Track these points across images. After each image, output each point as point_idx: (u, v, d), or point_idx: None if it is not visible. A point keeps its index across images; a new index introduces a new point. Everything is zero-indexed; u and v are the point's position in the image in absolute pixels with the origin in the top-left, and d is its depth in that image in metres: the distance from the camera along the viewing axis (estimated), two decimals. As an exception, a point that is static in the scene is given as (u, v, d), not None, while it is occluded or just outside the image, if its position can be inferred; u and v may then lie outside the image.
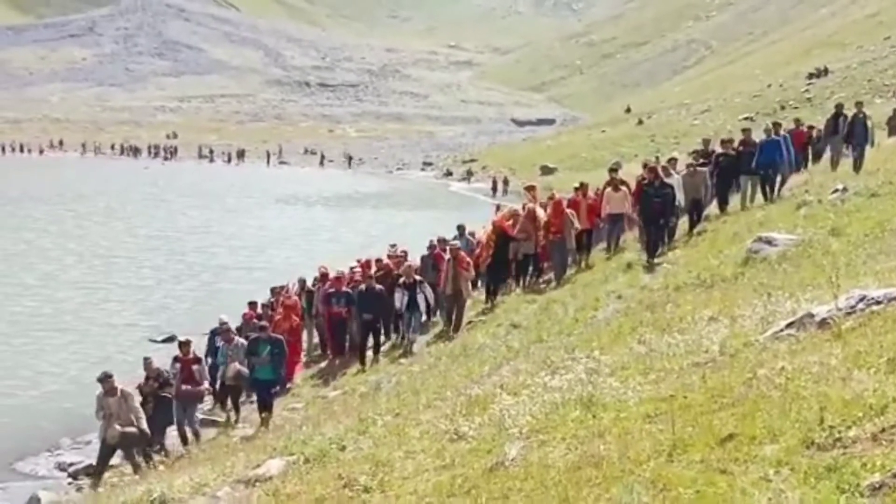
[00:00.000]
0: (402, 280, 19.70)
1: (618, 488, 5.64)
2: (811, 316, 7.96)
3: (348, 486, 7.41)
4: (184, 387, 16.45)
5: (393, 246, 24.55)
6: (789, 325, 8.08)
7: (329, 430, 10.21)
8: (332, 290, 20.51)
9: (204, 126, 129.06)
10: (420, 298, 19.45)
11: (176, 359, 16.97)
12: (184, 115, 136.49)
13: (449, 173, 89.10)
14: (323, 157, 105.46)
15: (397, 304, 19.58)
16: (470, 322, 19.95)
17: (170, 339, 23.04)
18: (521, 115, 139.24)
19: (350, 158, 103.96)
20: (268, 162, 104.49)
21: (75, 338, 25.52)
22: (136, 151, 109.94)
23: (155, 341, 24.18)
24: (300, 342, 21.17)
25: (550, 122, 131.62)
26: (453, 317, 19.81)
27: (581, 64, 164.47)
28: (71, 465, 16.48)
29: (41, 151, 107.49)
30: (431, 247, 22.14)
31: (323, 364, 21.23)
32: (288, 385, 19.47)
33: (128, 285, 33.72)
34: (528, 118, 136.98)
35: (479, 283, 22.80)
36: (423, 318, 20.32)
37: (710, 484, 5.32)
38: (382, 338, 20.74)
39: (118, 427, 14.41)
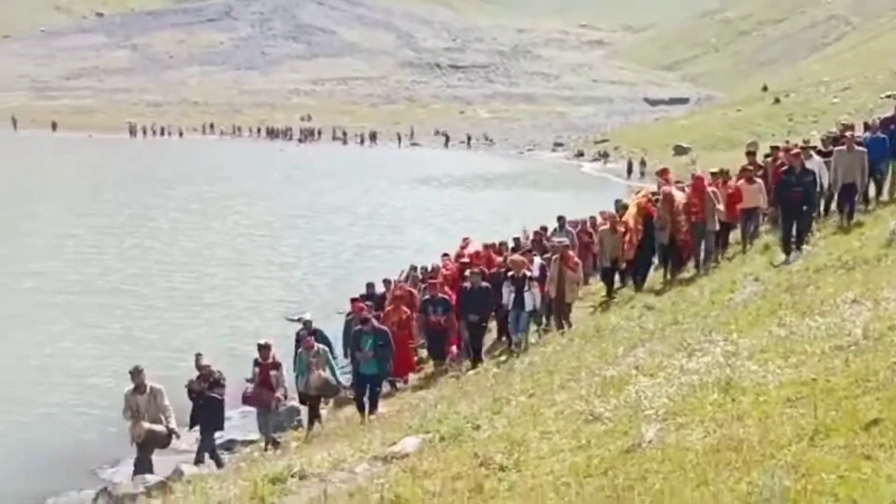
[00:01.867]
0: (510, 274, 18.04)
1: (758, 472, 5.58)
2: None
3: (484, 464, 7.46)
4: (258, 392, 15.64)
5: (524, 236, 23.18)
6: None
7: (463, 409, 10.27)
8: (428, 296, 18.66)
9: (337, 108, 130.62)
10: (528, 296, 17.64)
11: (256, 362, 15.99)
12: (318, 97, 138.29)
13: (580, 154, 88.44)
14: (448, 138, 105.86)
15: (504, 300, 17.99)
16: (602, 304, 19.62)
17: (304, 323, 23.34)
18: (653, 95, 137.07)
19: (468, 138, 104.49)
20: (399, 143, 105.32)
21: (222, 312, 26.60)
22: (272, 133, 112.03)
23: (292, 320, 24.58)
24: (413, 336, 19.17)
25: (684, 101, 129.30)
26: (561, 319, 18.14)
27: (716, 42, 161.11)
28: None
29: (181, 134, 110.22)
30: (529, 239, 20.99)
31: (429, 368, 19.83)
32: (399, 384, 18.48)
33: (268, 263, 34.82)
34: (661, 97, 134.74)
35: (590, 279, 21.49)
36: (530, 317, 18.16)
37: (854, 469, 5.23)
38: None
39: (145, 424, 14.00)
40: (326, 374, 16.19)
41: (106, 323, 25.12)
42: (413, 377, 18.97)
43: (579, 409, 8.41)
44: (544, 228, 22.73)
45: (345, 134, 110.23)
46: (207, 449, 15.11)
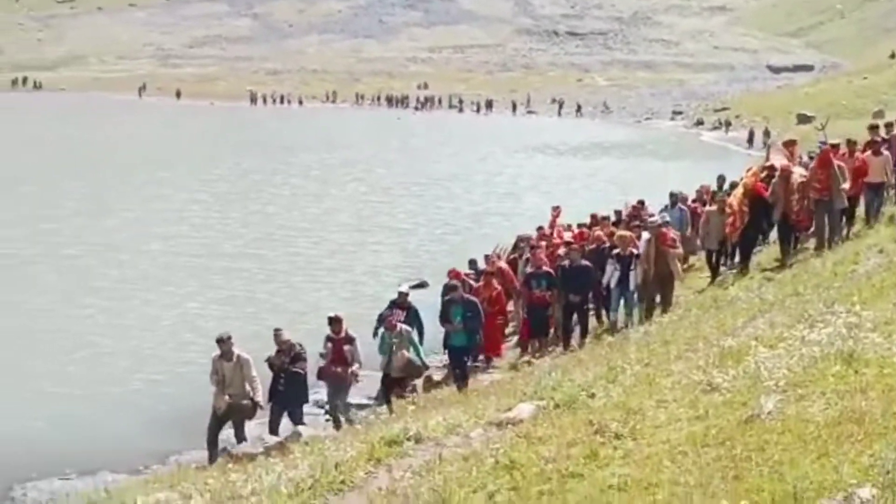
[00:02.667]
0: (615, 252, 17.30)
1: (880, 445, 5.48)
2: None
3: (599, 432, 7.44)
4: (332, 368, 15.11)
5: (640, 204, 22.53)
6: None
7: (578, 378, 10.26)
8: (532, 270, 17.97)
9: (454, 76, 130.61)
10: (633, 275, 16.92)
11: (328, 337, 15.29)
12: (434, 65, 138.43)
13: (700, 122, 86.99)
14: (561, 106, 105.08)
15: (606, 279, 17.28)
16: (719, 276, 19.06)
17: (420, 286, 23.55)
18: (776, 62, 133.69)
19: (578, 106, 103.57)
20: (513, 111, 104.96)
21: (342, 277, 27.10)
22: (389, 102, 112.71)
23: (409, 286, 24.74)
24: (504, 313, 18.66)
25: (808, 68, 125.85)
26: (655, 302, 17.20)
27: (841, 7, 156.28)
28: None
29: (300, 102, 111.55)
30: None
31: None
32: (494, 360, 17.92)
33: (386, 229, 35.31)
34: (785, 65, 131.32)
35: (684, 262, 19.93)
36: (634, 297, 17.40)
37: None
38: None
39: (227, 398, 13.70)
40: (410, 354, 15.40)
41: (231, 286, 25.88)
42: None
43: (696, 379, 8.33)
44: (641, 202, 22.21)
45: (461, 102, 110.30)
46: (297, 423, 14.57)
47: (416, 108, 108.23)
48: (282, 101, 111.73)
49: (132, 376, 15.74)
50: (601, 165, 57.48)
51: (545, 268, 17.78)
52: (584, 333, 17.63)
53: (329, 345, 15.20)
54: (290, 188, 45.54)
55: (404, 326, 15.62)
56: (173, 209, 37.74)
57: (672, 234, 17.56)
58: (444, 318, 16.09)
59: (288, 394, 14.49)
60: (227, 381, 13.68)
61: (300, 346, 14.66)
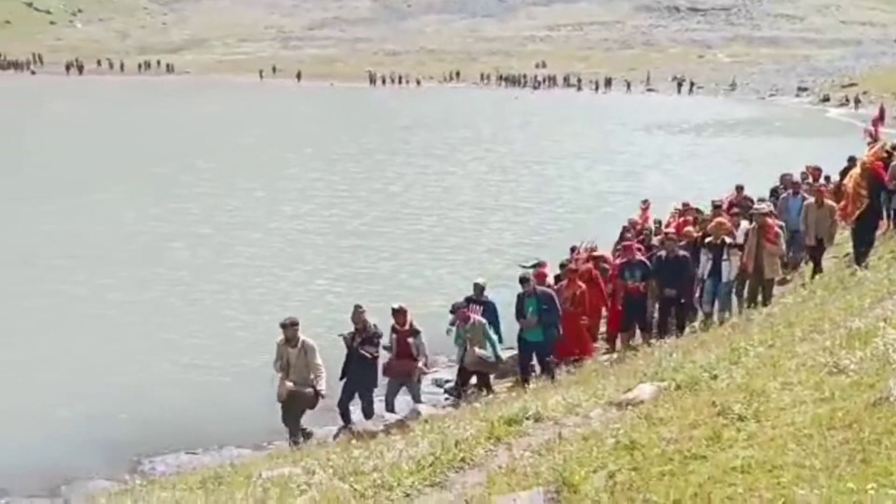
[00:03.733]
0: (707, 240, 16.15)
1: None
2: None
3: (722, 413, 7.36)
4: (397, 362, 14.50)
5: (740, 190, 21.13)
6: None
7: (700, 359, 10.16)
8: (625, 259, 16.94)
9: (572, 54, 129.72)
10: (726, 266, 15.81)
11: (393, 329, 14.58)
12: (553, 43, 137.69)
13: (826, 99, 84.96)
14: (681, 83, 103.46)
15: (700, 270, 16.18)
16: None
17: (537, 265, 23.41)
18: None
19: (691, 84, 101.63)
20: (629, 89, 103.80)
21: (464, 255, 27.21)
22: (508, 81, 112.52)
23: (524, 266, 24.64)
24: (590, 314, 16.68)
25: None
26: (757, 300, 15.81)
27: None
28: (447, 381, 16.46)
29: (418, 82, 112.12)
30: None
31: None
32: (585, 359, 15.83)
33: (507, 208, 35.40)
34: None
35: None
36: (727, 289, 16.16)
37: None
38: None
39: (289, 384, 13.18)
40: (482, 350, 14.66)
41: (356, 262, 26.33)
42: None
43: (822, 361, 8.16)
44: (740, 188, 21.02)
45: (579, 80, 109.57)
46: (367, 411, 14.16)
47: (534, 87, 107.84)
48: (400, 82, 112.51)
49: (260, 351, 15.96)
50: (725, 143, 56.65)
51: (639, 257, 16.88)
52: (681, 328, 16.28)
53: (393, 337, 14.57)
54: (413, 167, 45.94)
55: (478, 318, 14.89)
56: (299, 188, 38.63)
57: (777, 226, 16.26)
58: (519, 313, 15.17)
59: (356, 377, 14.02)
60: (291, 367, 13.25)
61: (376, 327, 14.08)
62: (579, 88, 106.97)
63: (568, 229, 29.37)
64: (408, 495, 6.99)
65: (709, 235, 16.34)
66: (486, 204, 36.16)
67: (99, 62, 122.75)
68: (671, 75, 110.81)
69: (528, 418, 8.67)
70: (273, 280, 24.06)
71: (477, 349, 14.61)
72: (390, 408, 14.48)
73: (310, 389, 13.21)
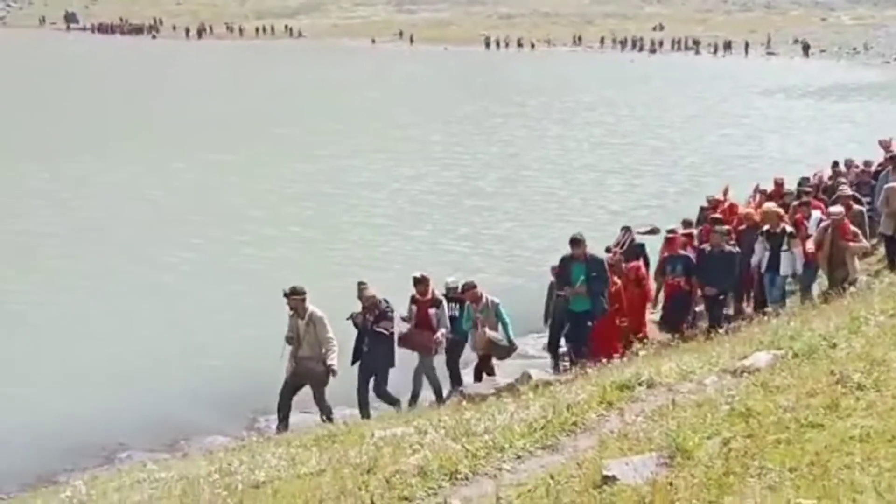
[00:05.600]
0: (765, 228, 14.87)
1: None
2: None
3: (840, 382, 7.26)
4: (414, 332, 13.77)
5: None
6: None
7: (819, 327, 9.98)
8: (667, 254, 15.87)
9: (690, 17, 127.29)
10: (785, 257, 14.49)
11: (412, 299, 13.89)
12: (670, 6, 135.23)
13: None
14: (806, 46, 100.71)
15: (755, 261, 14.93)
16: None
17: (652, 232, 23.10)
18: None
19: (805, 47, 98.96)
20: (746, 53, 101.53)
21: (583, 219, 26.77)
22: (623, 44, 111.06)
23: (639, 233, 24.38)
24: (627, 313, 14.97)
25: None
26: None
27: None
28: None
29: (532, 46, 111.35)
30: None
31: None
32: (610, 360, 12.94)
33: (627, 171, 35.49)
34: None
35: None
36: (787, 284, 14.87)
37: None
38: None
39: (295, 361, 12.68)
40: (496, 332, 13.86)
41: (478, 223, 26.87)
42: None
43: (946, 330, 7.98)
44: (868, 164, 19.52)
45: (696, 43, 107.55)
46: (382, 394, 13.45)
47: (652, 51, 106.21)
48: (517, 45, 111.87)
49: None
50: (849, 108, 55.20)
51: (682, 251, 15.58)
52: (711, 325, 14.66)
53: (413, 308, 13.87)
54: (531, 130, 46.15)
55: (492, 298, 14.01)
56: (419, 149, 39.54)
57: (852, 226, 14.73)
58: (563, 280, 13.99)
59: (372, 357, 13.28)
60: (300, 340, 12.61)
61: (386, 302, 13.31)
62: (697, 52, 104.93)
63: (690, 192, 29.19)
64: (519, 457, 7.03)
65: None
66: (604, 167, 36.28)
67: (211, 28, 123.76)
68: (792, 38, 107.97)
69: (640, 384, 8.66)
70: (400, 240, 24.71)
71: (488, 331, 13.75)
72: (415, 391, 13.94)
73: (319, 365, 12.56)
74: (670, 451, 6.33)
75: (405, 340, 13.72)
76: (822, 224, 14.84)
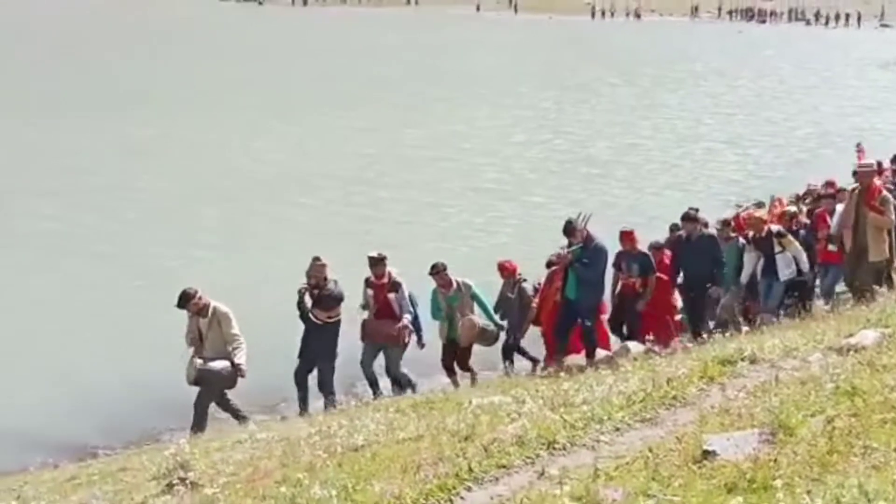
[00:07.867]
0: (750, 236, 13.58)
1: None
2: None
3: (950, 362, 7.09)
4: (374, 323, 12.21)
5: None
6: None
7: (930, 306, 9.75)
8: (624, 249, 13.62)
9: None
10: (781, 259, 13.12)
11: (367, 282, 12.17)
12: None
13: None
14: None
15: (748, 268, 13.51)
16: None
17: (759, 206, 22.52)
18: None
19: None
20: (858, 24, 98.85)
21: (673, 192, 27.01)
22: (731, 14, 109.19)
23: (738, 206, 23.54)
24: (658, 307, 13.51)
25: None
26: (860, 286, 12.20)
27: None
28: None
29: (638, 16, 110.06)
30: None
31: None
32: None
33: (729, 143, 35.31)
34: None
35: None
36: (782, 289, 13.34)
37: None
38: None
39: (198, 362, 11.17)
40: (479, 318, 12.61)
41: (593, 189, 26.97)
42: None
43: None
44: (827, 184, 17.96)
45: (804, 14, 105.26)
46: (325, 387, 12.01)
47: (761, 21, 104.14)
48: (624, 15, 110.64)
49: (484, 272, 15.31)
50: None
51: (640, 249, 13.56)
52: (694, 330, 13.33)
53: (369, 292, 12.15)
54: (642, 99, 46.35)
55: (463, 281, 12.53)
56: (532, 116, 40.07)
57: (882, 191, 12.74)
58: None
59: (309, 345, 11.91)
60: (204, 342, 11.32)
61: (335, 283, 11.74)
62: (808, 23, 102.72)
63: (803, 163, 28.81)
64: (618, 429, 6.99)
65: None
66: (706, 139, 36.09)
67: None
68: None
69: (743, 360, 8.52)
70: (514, 206, 25.15)
71: (471, 317, 12.46)
72: (371, 378, 12.53)
73: (224, 364, 11.26)
74: (772, 428, 6.24)
75: (368, 334, 12.34)
76: (851, 187, 13.25)
